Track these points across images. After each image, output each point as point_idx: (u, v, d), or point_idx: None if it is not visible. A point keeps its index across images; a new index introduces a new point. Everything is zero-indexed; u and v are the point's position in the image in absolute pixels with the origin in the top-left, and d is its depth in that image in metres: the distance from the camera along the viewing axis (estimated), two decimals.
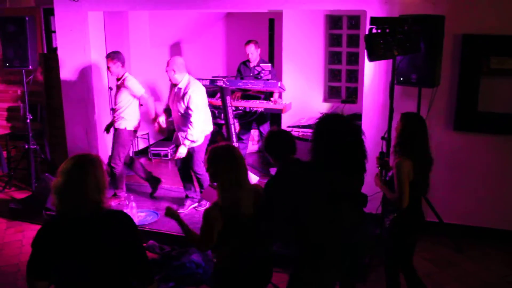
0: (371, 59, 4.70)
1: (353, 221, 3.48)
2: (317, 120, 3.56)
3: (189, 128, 5.91)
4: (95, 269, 2.70)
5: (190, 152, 6.03)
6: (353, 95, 8.33)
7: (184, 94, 5.92)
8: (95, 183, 2.69)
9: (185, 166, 6.27)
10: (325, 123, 3.53)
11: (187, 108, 5.92)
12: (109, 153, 6.71)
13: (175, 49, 10.01)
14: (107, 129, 6.82)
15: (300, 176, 3.43)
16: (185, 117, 6.00)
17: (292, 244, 3.50)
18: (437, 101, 5.68)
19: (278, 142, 3.60)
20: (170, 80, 6.07)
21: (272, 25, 9.80)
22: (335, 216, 3.36)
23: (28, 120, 7.22)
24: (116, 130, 6.55)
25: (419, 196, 4.14)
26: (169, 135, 9.70)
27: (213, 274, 3.56)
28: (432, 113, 5.66)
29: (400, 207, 3.97)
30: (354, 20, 8.16)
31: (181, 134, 6.10)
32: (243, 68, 7.71)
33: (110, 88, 7.48)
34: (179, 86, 6.00)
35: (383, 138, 5.18)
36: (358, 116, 6.77)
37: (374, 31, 4.64)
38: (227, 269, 3.42)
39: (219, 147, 3.44)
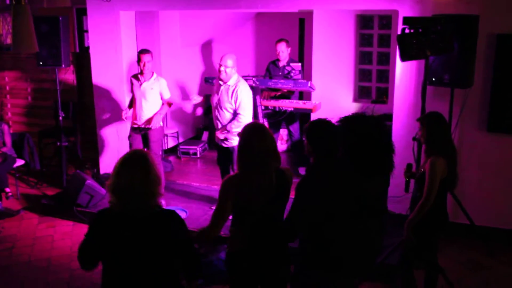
0: (403, 59, 4.66)
1: (371, 231, 3.43)
2: (340, 120, 3.52)
3: (237, 121, 5.83)
4: (146, 264, 2.77)
5: (231, 151, 5.98)
6: (384, 95, 8.25)
7: (234, 92, 5.84)
8: (149, 177, 2.73)
9: (225, 164, 6.24)
10: (346, 123, 3.50)
11: (237, 106, 5.85)
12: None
13: (206, 48, 10.06)
14: (140, 129, 6.63)
15: (330, 181, 3.29)
16: (228, 112, 5.94)
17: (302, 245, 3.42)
18: (470, 102, 5.60)
19: (321, 135, 3.36)
20: (219, 76, 5.91)
21: (302, 24, 9.77)
22: (359, 228, 3.31)
23: (60, 118, 7.34)
24: (150, 129, 6.52)
25: (446, 193, 4.17)
26: (198, 133, 9.78)
27: (225, 260, 3.50)
28: (465, 114, 5.58)
29: (427, 206, 3.95)
30: (386, 19, 8.08)
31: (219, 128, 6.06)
32: (273, 68, 7.70)
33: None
34: (229, 83, 5.90)
35: (414, 138, 5.13)
36: (388, 117, 6.71)
37: (406, 31, 4.59)
38: (239, 252, 3.38)
39: (249, 124, 3.47)
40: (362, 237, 3.35)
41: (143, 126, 6.52)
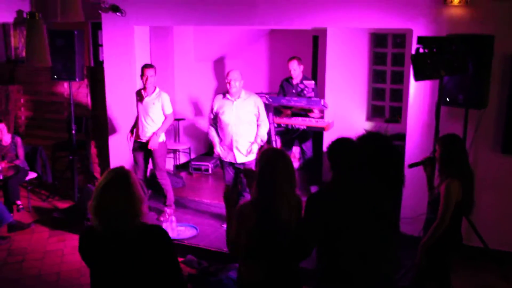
0: (417, 78, 4.62)
1: (390, 248, 3.36)
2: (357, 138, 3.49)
3: (264, 128, 5.99)
4: (128, 283, 2.73)
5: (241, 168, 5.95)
6: (397, 114, 8.20)
7: (252, 103, 5.96)
8: (130, 198, 2.70)
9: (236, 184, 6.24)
10: (363, 140, 3.47)
11: (259, 115, 5.99)
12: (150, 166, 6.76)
13: (219, 64, 10.09)
14: (144, 145, 6.59)
15: (350, 194, 3.21)
16: (249, 125, 6.02)
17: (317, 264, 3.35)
18: (485, 123, 5.54)
19: (342, 152, 3.34)
20: (231, 90, 5.93)
21: (316, 42, 9.77)
22: (371, 245, 3.21)
23: (73, 132, 7.37)
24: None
25: (461, 216, 4.09)
26: (210, 149, 9.76)
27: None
28: (479, 135, 5.52)
29: (441, 229, 3.88)
30: (400, 38, 8.05)
31: (238, 144, 6.05)
32: (286, 85, 7.69)
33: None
34: (242, 96, 5.97)
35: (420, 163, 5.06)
36: (401, 136, 6.67)
37: (421, 50, 4.56)
38: (253, 282, 3.27)
39: (268, 149, 3.38)
40: (381, 254, 3.27)
41: (146, 141, 6.52)
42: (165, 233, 2.86)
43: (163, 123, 6.51)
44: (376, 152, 3.42)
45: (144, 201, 2.78)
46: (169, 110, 6.52)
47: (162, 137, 6.58)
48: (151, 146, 6.41)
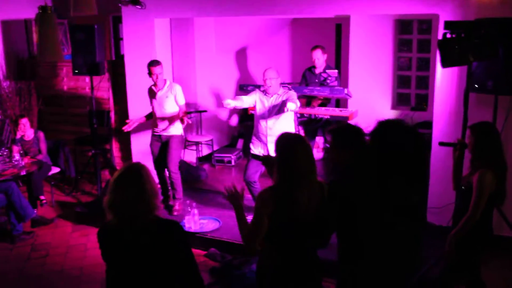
0: (444, 65, 4.46)
1: (408, 241, 3.22)
2: (374, 127, 3.34)
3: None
4: (144, 278, 2.74)
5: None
6: (423, 102, 8.02)
7: (287, 99, 5.86)
8: (143, 192, 2.71)
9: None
10: (379, 129, 3.28)
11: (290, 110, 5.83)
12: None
13: (241, 55, 9.99)
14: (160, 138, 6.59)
15: (365, 181, 3.11)
16: (284, 118, 6.00)
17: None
18: None
19: (353, 132, 3.36)
20: (268, 89, 5.94)
21: (339, 30, 9.61)
22: (393, 232, 3.09)
23: (95, 126, 7.35)
24: (171, 137, 6.47)
25: (493, 208, 3.93)
26: (233, 141, 9.69)
27: (256, 272, 3.36)
28: (510, 122, 5.32)
29: (472, 221, 3.73)
30: (426, 24, 7.86)
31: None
32: (309, 75, 7.55)
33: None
34: (279, 93, 5.97)
35: (441, 143, 4.91)
36: (428, 124, 6.51)
37: (448, 36, 4.39)
38: (272, 266, 3.22)
39: (287, 134, 3.31)
40: (400, 248, 3.15)
41: (163, 133, 6.50)
42: (180, 227, 2.85)
43: (179, 113, 6.45)
44: (397, 142, 3.25)
45: (158, 195, 2.78)
46: (182, 100, 6.46)
47: (179, 130, 6.52)
48: (170, 131, 6.44)
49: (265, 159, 3.74)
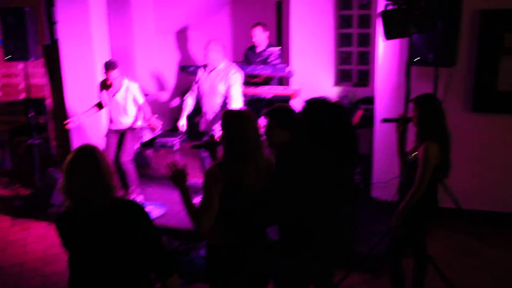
0: (387, 37, 4.46)
1: (345, 212, 3.31)
2: (302, 107, 3.38)
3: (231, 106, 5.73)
4: (110, 262, 2.65)
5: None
6: (365, 78, 8.05)
7: (226, 76, 5.77)
8: (99, 173, 2.60)
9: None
10: (305, 109, 3.35)
11: (230, 91, 5.76)
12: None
13: (181, 36, 9.77)
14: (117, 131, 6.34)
15: (309, 154, 3.20)
16: (223, 98, 5.85)
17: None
18: (455, 81, 5.43)
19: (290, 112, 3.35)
20: (208, 61, 5.82)
21: (279, 8, 9.51)
22: (333, 204, 3.20)
23: (30, 115, 7.03)
24: (128, 129, 6.26)
25: (438, 180, 3.95)
26: (175, 125, 9.50)
27: (206, 255, 3.31)
28: (450, 94, 5.38)
29: (418, 194, 3.74)
30: None
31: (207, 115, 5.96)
32: (250, 53, 7.44)
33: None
34: (220, 67, 5.82)
35: (384, 120, 4.91)
36: (370, 99, 6.53)
37: (390, 7, 4.38)
38: (221, 245, 3.18)
39: (233, 110, 3.29)
40: (340, 221, 3.27)
41: (120, 127, 6.26)
42: (140, 207, 2.74)
43: (143, 114, 6.23)
44: (321, 118, 3.30)
45: (113, 175, 2.68)
46: (141, 99, 6.19)
47: (138, 122, 6.32)
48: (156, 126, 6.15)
49: (206, 144, 3.65)
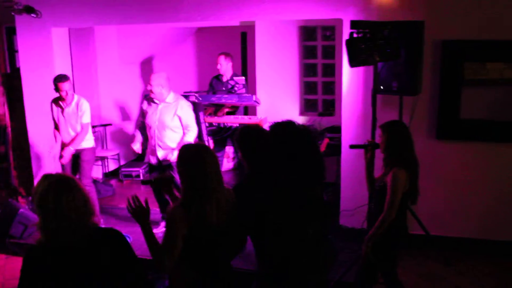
0: (352, 64, 4.50)
1: (317, 234, 3.22)
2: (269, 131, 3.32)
3: (186, 138, 5.72)
4: None
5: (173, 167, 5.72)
6: (331, 107, 8.13)
7: (175, 110, 5.74)
8: (79, 204, 2.47)
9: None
10: (271, 132, 3.28)
11: (183, 123, 5.77)
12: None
13: (146, 66, 9.73)
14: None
15: (268, 183, 3.13)
16: (174, 132, 5.80)
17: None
18: (419, 110, 5.51)
19: (253, 138, 3.33)
20: (154, 96, 5.78)
21: (244, 38, 9.58)
22: (302, 230, 3.11)
23: None
24: (82, 150, 6.18)
25: (408, 206, 3.97)
26: (140, 155, 9.38)
27: None
28: (414, 122, 5.46)
29: (388, 221, 3.74)
30: (329, 31, 7.99)
31: (163, 150, 5.86)
32: (216, 82, 7.45)
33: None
34: (167, 101, 5.78)
35: (351, 146, 4.93)
36: (337, 128, 6.57)
37: (355, 35, 4.44)
38: (185, 282, 3.07)
39: (190, 145, 3.18)
40: (313, 242, 3.19)
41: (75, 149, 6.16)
42: (119, 233, 2.64)
43: (79, 134, 6.14)
44: (287, 140, 3.22)
45: (92, 203, 2.56)
46: (86, 119, 6.15)
47: (91, 143, 6.25)
48: (63, 161, 6.07)
49: (156, 181, 3.55)
